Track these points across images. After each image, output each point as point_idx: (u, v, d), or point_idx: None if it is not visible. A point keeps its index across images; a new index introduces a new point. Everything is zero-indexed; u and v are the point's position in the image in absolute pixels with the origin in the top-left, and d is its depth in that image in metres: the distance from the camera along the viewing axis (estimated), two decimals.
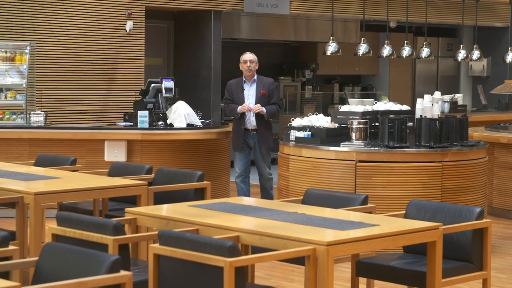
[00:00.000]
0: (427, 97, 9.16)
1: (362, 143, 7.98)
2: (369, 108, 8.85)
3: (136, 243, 5.76)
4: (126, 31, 11.61)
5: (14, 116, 9.83)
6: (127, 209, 5.39)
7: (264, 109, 9.22)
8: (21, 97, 9.88)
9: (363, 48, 11.86)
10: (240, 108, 9.25)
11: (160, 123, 9.68)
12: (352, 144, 8.00)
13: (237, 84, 9.41)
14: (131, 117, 9.96)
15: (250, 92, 9.37)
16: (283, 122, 12.66)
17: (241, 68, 9.43)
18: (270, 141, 9.37)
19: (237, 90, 9.35)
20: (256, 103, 9.26)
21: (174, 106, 9.76)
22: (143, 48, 11.84)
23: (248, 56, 9.43)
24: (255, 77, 9.42)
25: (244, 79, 9.41)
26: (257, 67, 9.43)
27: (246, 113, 9.28)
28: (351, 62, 15.85)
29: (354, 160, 7.90)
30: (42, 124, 9.69)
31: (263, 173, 9.43)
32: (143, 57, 11.86)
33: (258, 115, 9.25)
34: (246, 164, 9.40)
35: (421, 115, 8.36)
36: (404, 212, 5.71)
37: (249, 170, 9.50)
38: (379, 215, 5.47)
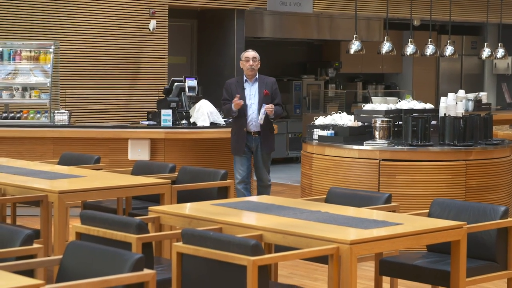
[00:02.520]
0: (451, 95, 9.12)
1: (386, 142, 7.96)
2: (392, 106, 8.82)
3: (160, 241, 5.77)
4: (150, 30, 11.64)
5: (39, 115, 9.88)
6: (150, 208, 5.40)
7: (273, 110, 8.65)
8: (46, 96, 9.93)
9: (386, 47, 11.81)
10: (234, 104, 8.59)
11: (183, 121, 9.70)
12: (375, 142, 7.98)
13: (236, 83, 8.83)
14: (155, 116, 9.99)
15: (252, 92, 8.77)
16: (306, 120, 12.65)
17: (241, 66, 8.87)
18: (272, 145, 8.84)
19: (237, 89, 8.74)
20: (259, 103, 8.67)
21: (197, 105, 9.77)
22: (167, 47, 11.86)
23: (251, 53, 8.82)
24: (257, 76, 8.82)
25: (244, 77, 8.81)
26: (259, 65, 8.84)
27: (248, 114, 8.69)
28: (375, 60, 15.81)
29: (377, 159, 7.87)
30: (66, 123, 9.73)
31: (262, 179, 8.80)
32: (167, 56, 11.89)
33: (266, 116, 8.65)
34: (248, 169, 8.77)
35: (445, 114, 8.33)
36: (427, 211, 5.68)
37: (251, 176, 8.93)
38: (402, 214, 5.44)
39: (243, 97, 8.67)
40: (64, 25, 10.99)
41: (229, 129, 9.65)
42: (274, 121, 8.97)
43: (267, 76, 8.95)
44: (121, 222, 4.83)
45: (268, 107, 8.58)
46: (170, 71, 11.88)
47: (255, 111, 8.69)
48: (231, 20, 12.80)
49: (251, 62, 8.74)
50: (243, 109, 8.67)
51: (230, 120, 10.31)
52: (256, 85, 8.77)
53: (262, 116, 8.61)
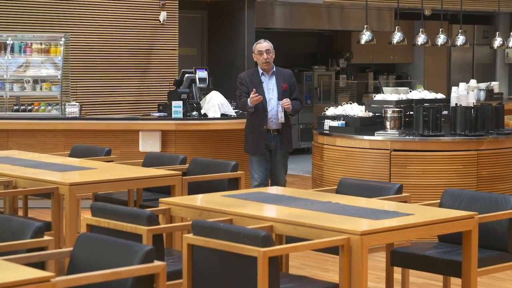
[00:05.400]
0: (462, 85, 9.09)
1: (397, 132, 7.94)
2: (403, 96, 8.80)
3: (170, 233, 5.78)
4: (160, 21, 11.64)
5: (50, 107, 9.90)
6: (161, 200, 5.41)
7: (290, 105, 7.89)
8: (56, 89, 9.95)
9: (397, 37, 11.76)
10: (251, 100, 7.79)
11: (194, 113, 9.70)
12: (386, 133, 7.96)
13: (252, 77, 7.98)
14: (165, 108, 9.99)
15: (270, 86, 7.97)
16: (317, 111, 12.63)
17: (255, 59, 8.04)
18: (291, 143, 8.10)
19: (253, 83, 7.92)
20: (279, 97, 7.90)
21: (208, 96, 9.77)
22: (177, 38, 11.86)
23: (264, 45, 7.96)
24: (274, 69, 8.01)
25: (260, 70, 7.98)
26: (274, 56, 8.01)
27: (269, 110, 7.91)
28: (386, 50, 15.76)
29: (388, 149, 7.86)
30: (77, 115, 9.75)
31: (280, 181, 8.00)
32: (177, 48, 11.88)
33: (284, 112, 7.92)
34: (266, 170, 7.98)
35: (456, 104, 8.30)
36: (439, 201, 5.67)
37: (268, 178, 8.08)
38: (413, 204, 5.43)
39: (261, 92, 7.89)
40: (75, 17, 11.00)
41: (241, 120, 9.60)
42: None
43: (282, 68, 8.24)
44: (131, 214, 4.83)
45: (284, 103, 7.83)
46: (180, 63, 11.88)
47: (275, 107, 7.92)
48: (242, 11, 12.79)
49: (265, 56, 7.91)
50: (262, 105, 7.88)
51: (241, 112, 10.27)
52: (274, 78, 7.99)
53: (281, 114, 7.88)
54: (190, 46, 13.30)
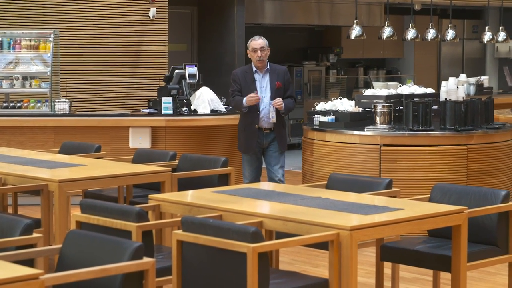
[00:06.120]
0: (452, 79, 9.10)
1: (387, 127, 7.95)
2: (393, 91, 8.81)
3: (160, 229, 5.77)
4: (150, 17, 11.62)
5: (39, 104, 9.88)
6: (150, 196, 5.40)
7: (283, 104, 7.80)
8: (46, 85, 9.92)
9: (387, 32, 11.77)
10: (247, 100, 7.73)
11: (184, 109, 9.69)
12: (376, 128, 7.97)
13: (245, 74, 7.88)
14: (155, 104, 9.98)
15: (263, 84, 7.86)
16: (307, 106, 12.63)
17: (249, 56, 7.93)
18: (285, 143, 8.01)
19: (246, 81, 7.84)
20: (272, 96, 7.80)
21: (198, 92, 9.75)
22: (167, 34, 11.84)
23: (259, 42, 7.84)
24: (268, 66, 7.89)
25: (254, 68, 7.88)
26: (268, 54, 7.90)
27: (261, 109, 7.82)
28: (376, 45, 15.77)
29: (378, 144, 7.86)
30: (67, 112, 9.72)
31: (275, 178, 7.90)
32: (167, 44, 11.86)
33: (277, 111, 7.84)
34: (257, 169, 7.93)
35: (446, 98, 8.31)
36: (428, 196, 5.67)
37: (260, 177, 8.03)
38: (403, 199, 5.44)
39: (253, 90, 7.80)
40: (64, 14, 10.97)
41: (231, 116, 9.64)
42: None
43: (277, 64, 8.12)
44: (121, 210, 4.83)
45: (276, 102, 7.74)
46: (170, 59, 11.86)
47: (267, 105, 7.84)
48: (231, 7, 12.77)
49: (259, 53, 7.79)
50: (254, 104, 7.81)
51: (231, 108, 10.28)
52: (268, 76, 7.88)
53: (273, 114, 7.80)
54: (180, 42, 13.28)
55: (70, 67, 10.94)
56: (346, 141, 8.01)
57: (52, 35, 10.02)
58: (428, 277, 6.20)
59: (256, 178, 7.92)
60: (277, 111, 7.83)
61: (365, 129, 7.99)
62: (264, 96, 7.86)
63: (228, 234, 4.24)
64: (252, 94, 7.73)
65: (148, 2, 11.62)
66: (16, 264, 3.54)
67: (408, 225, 4.70)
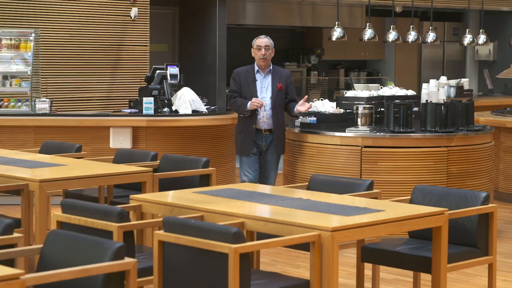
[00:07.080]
0: (432, 82, 9.15)
1: (368, 129, 7.97)
2: (374, 93, 8.83)
3: (141, 230, 5.76)
4: (131, 17, 11.59)
5: (19, 104, 9.83)
6: (132, 196, 5.39)
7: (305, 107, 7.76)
8: (26, 85, 9.88)
9: (368, 33, 11.80)
10: (250, 105, 7.61)
11: (165, 109, 9.67)
12: (357, 129, 7.99)
13: (247, 74, 7.76)
14: (136, 104, 9.96)
15: (264, 85, 7.77)
16: None
17: (253, 55, 7.81)
18: (284, 146, 7.93)
19: (247, 81, 7.73)
20: (272, 97, 7.72)
21: (179, 93, 9.74)
22: (148, 34, 11.81)
23: (264, 40, 7.78)
24: (271, 67, 7.83)
25: (256, 68, 7.79)
26: (273, 54, 7.83)
27: (259, 111, 7.70)
28: (357, 47, 15.82)
29: (359, 146, 7.88)
30: (47, 112, 9.68)
31: (269, 182, 7.82)
32: (148, 44, 11.84)
33: (275, 113, 7.76)
34: (256, 171, 7.78)
35: (426, 100, 8.34)
36: (409, 197, 5.70)
37: (258, 179, 7.86)
38: (384, 200, 5.45)
39: (253, 90, 7.72)
40: (45, 13, 10.92)
41: (212, 117, 9.66)
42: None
43: (280, 67, 8.09)
44: (102, 210, 4.81)
45: (305, 106, 7.73)
46: (152, 59, 11.84)
47: (267, 107, 7.75)
48: (213, 7, 12.77)
49: (263, 51, 7.70)
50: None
51: (213, 108, 10.29)
52: (270, 77, 7.79)
53: (265, 113, 7.75)
54: (162, 42, 13.26)
55: (51, 67, 10.90)
56: (327, 143, 8.03)
57: (33, 34, 9.98)
58: (409, 278, 6.22)
59: (255, 181, 7.76)
60: (278, 112, 7.77)
61: (346, 131, 8.01)
62: (264, 97, 7.77)
63: (210, 235, 4.24)
64: (256, 99, 7.61)
65: (129, 2, 11.59)
66: None
67: (389, 227, 4.71)
